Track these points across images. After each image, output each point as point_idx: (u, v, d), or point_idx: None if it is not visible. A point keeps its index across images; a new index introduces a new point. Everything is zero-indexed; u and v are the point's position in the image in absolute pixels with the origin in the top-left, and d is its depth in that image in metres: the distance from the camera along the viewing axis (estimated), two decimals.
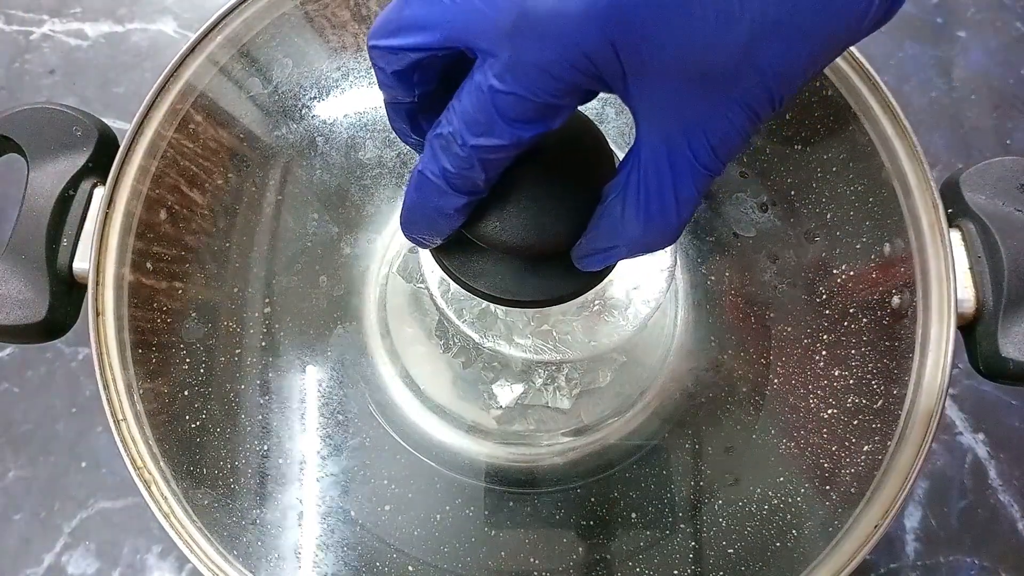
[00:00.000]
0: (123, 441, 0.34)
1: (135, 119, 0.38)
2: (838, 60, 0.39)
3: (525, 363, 0.35)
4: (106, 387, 0.35)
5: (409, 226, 0.27)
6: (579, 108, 0.25)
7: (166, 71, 0.38)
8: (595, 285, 0.28)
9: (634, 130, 0.23)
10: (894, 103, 0.38)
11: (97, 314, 0.35)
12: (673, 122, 0.22)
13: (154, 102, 0.38)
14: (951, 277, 0.35)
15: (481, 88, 0.21)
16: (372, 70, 0.26)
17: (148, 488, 0.34)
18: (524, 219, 0.25)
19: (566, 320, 0.34)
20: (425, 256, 0.34)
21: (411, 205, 0.26)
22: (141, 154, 0.38)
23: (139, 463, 0.34)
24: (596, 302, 0.34)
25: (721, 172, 0.23)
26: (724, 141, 0.22)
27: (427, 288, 0.34)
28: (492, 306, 0.34)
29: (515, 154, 0.23)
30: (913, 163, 0.37)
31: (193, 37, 0.39)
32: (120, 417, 0.34)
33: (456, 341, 0.38)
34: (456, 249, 0.28)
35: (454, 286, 0.34)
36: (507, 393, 0.38)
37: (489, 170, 0.23)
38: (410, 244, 0.38)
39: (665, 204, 0.23)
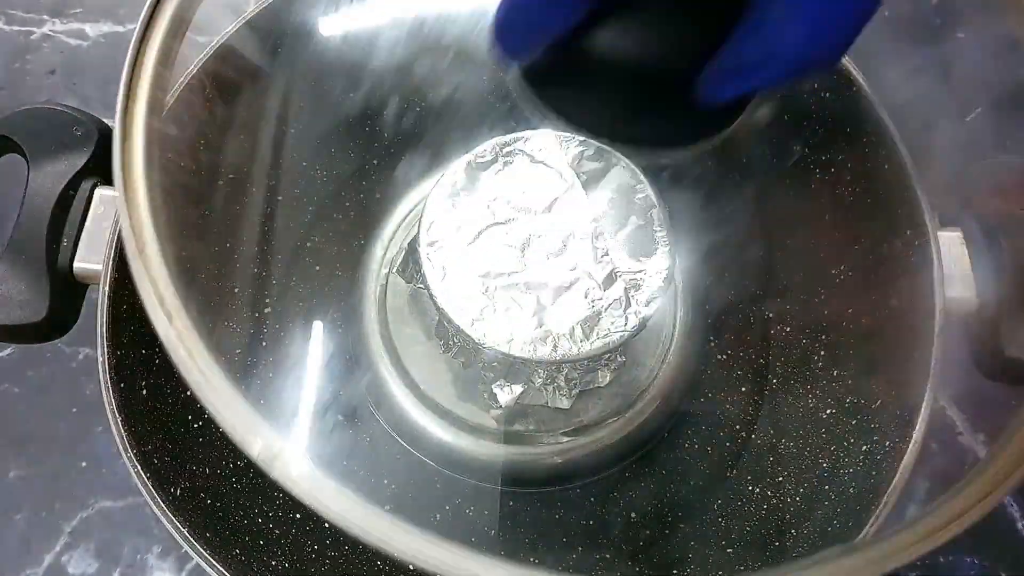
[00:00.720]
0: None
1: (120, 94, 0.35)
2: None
3: (525, 363, 0.35)
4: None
5: (508, 25, 0.21)
6: None
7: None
8: (717, 133, 0.22)
9: None
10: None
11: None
12: None
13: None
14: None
15: None
16: None
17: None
18: (645, 26, 0.20)
19: (566, 321, 0.34)
20: (425, 255, 0.34)
21: None
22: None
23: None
24: (596, 303, 0.34)
25: None
26: None
27: (427, 288, 0.34)
28: (492, 305, 0.34)
29: None
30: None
31: None
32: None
33: (456, 341, 0.38)
34: (551, 73, 0.22)
35: (455, 281, 0.34)
36: (507, 393, 0.38)
37: None
38: (410, 243, 0.38)
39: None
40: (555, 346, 0.33)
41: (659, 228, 0.35)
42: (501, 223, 0.35)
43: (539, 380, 0.38)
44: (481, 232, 0.35)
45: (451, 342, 0.39)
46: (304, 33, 0.43)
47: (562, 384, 0.38)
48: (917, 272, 0.37)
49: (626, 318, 0.34)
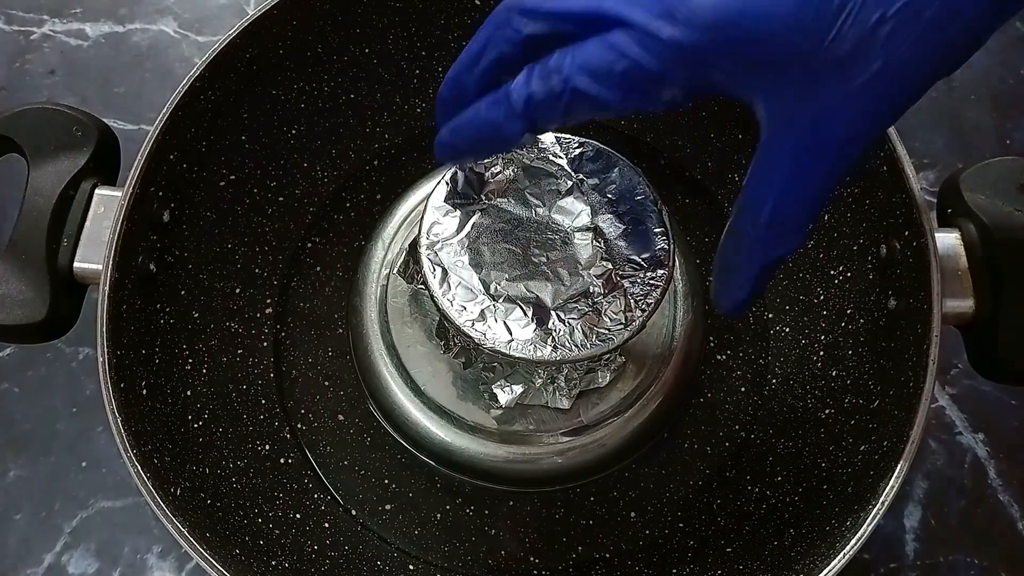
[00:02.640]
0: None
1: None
2: None
3: (525, 363, 0.35)
4: None
5: (458, 131, 0.29)
6: None
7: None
8: None
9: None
10: None
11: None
12: (800, 121, 0.24)
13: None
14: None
15: (616, 46, 0.24)
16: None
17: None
18: None
19: (566, 321, 0.34)
20: (425, 256, 0.34)
21: (474, 115, 0.28)
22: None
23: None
24: (597, 303, 0.34)
25: (848, 170, 0.25)
26: (848, 138, 0.24)
27: (427, 289, 0.34)
28: (492, 306, 0.34)
29: (594, 115, 0.26)
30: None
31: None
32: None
33: (456, 342, 0.38)
34: None
35: (456, 281, 0.34)
36: (507, 393, 0.38)
37: (566, 115, 0.26)
38: (410, 243, 0.38)
39: (795, 204, 0.25)
40: (555, 347, 0.33)
41: (659, 228, 0.35)
42: (502, 223, 0.35)
43: (539, 380, 0.38)
44: (481, 233, 0.35)
45: (452, 343, 0.39)
46: (305, 33, 0.43)
47: (562, 384, 0.39)
48: (915, 272, 0.37)
49: (626, 318, 0.34)
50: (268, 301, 0.46)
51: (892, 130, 0.37)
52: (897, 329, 0.38)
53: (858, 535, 0.32)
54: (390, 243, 0.44)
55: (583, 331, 0.34)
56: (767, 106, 0.25)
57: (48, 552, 0.47)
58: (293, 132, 0.46)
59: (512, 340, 0.33)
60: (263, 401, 0.44)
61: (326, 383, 0.45)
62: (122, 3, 0.61)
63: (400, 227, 0.44)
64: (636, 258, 0.35)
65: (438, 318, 0.39)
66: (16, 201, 0.37)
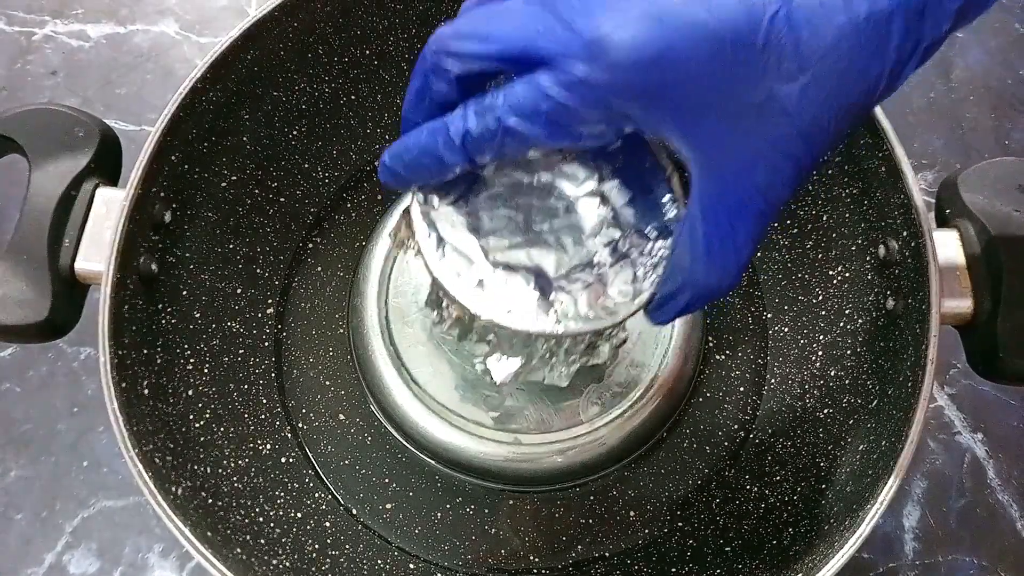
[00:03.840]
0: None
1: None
2: None
3: (526, 336, 0.31)
4: None
5: (398, 157, 0.29)
6: None
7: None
8: None
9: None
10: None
11: None
12: (722, 167, 0.25)
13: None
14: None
15: (540, 87, 0.25)
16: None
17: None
18: None
19: (569, 292, 0.31)
20: (419, 220, 0.31)
21: (414, 143, 0.28)
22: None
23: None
24: (602, 273, 0.31)
25: (773, 215, 0.26)
26: (770, 185, 0.25)
27: (421, 254, 0.31)
28: (491, 274, 0.31)
29: (525, 149, 0.27)
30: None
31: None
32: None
33: (450, 312, 0.35)
34: None
35: (452, 248, 0.31)
36: (502, 367, 0.35)
37: (501, 149, 0.26)
38: (404, 209, 0.35)
39: (724, 246, 0.26)
40: (557, 319, 0.31)
41: (668, 196, 0.32)
42: (501, 188, 0.32)
43: (537, 354, 0.35)
44: (480, 197, 0.32)
45: (444, 313, 0.36)
46: (306, 35, 0.43)
47: (561, 359, 0.36)
48: (914, 272, 0.37)
49: (633, 290, 0.31)
50: (269, 301, 0.46)
51: (891, 130, 0.37)
52: (896, 329, 0.38)
53: (857, 535, 0.32)
54: (390, 244, 0.44)
55: (587, 303, 0.31)
56: (691, 154, 0.26)
57: (49, 551, 0.47)
58: (294, 133, 0.46)
59: (511, 311, 0.30)
60: (264, 400, 0.44)
61: (327, 383, 0.45)
62: (123, 4, 0.61)
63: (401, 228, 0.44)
64: (644, 227, 0.32)
65: (431, 287, 0.36)
66: (18, 201, 0.37)
